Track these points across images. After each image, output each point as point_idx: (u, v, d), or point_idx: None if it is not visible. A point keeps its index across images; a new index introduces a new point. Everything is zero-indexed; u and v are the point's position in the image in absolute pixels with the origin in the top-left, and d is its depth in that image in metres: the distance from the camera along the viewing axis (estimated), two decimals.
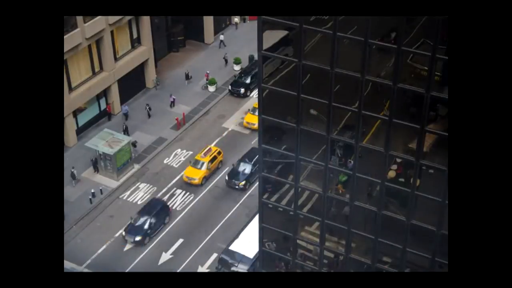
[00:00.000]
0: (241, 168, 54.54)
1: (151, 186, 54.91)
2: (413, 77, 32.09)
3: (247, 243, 47.07)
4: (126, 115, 61.53)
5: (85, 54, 57.23)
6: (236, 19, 74.48)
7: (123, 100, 62.88)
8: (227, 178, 54.73)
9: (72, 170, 54.27)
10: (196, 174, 54.71)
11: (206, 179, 55.13)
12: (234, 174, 54.51)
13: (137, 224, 50.00)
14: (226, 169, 56.30)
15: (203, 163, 54.98)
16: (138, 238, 49.40)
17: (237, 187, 54.11)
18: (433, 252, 36.28)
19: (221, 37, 71.67)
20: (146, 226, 49.80)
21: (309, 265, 41.43)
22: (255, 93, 64.11)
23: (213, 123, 61.98)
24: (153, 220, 50.18)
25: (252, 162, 54.31)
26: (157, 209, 50.99)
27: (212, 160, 55.46)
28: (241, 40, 73.01)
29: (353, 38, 31.85)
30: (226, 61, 69.55)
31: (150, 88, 65.73)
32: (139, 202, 53.34)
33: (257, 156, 49.20)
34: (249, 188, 54.26)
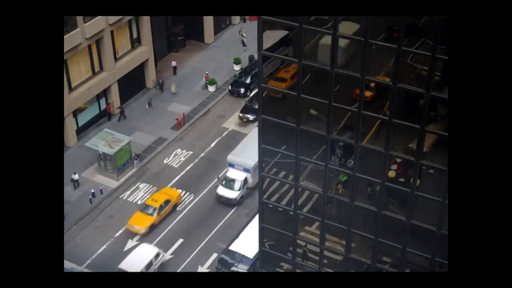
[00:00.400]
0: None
1: (151, 186, 54.90)
2: (413, 77, 32.10)
3: (247, 243, 47.06)
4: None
5: (85, 54, 57.24)
6: (244, 39, 72.26)
7: (123, 100, 62.90)
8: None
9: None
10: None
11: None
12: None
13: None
14: (226, 168, 56.36)
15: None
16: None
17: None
18: (433, 252, 36.28)
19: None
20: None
21: (309, 265, 41.45)
22: (255, 93, 64.09)
23: (213, 123, 61.98)
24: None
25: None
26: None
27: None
28: (241, 40, 72.98)
29: (353, 38, 31.87)
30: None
31: (150, 88, 65.74)
32: (139, 202, 53.36)
33: None
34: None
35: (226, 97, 65.20)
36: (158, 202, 50.97)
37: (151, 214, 50.54)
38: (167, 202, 51.48)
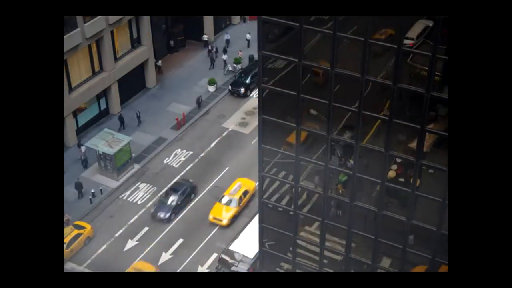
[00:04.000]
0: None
1: (151, 186, 54.90)
2: (413, 77, 32.10)
3: (247, 243, 47.08)
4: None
5: (85, 54, 57.23)
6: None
7: (123, 100, 62.92)
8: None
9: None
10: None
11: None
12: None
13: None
14: (226, 168, 56.34)
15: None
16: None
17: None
18: (433, 252, 36.28)
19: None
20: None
21: (309, 265, 41.45)
22: (255, 93, 64.14)
23: (213, 123, 61.99)
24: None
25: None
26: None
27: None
28: (241, 40, 73.00)
29: (353, 38, 31.86)
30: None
31: (150, 88, 65.75)
32: (139, 202, 53.35)
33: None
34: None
35: (226, 97, 65.22)
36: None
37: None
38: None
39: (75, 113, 58.40)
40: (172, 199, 51.95)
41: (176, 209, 51.97)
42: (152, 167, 56.88)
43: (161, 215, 51.34)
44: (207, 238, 50.35)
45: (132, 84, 63.68)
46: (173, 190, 52.82)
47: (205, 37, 71.91)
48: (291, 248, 41.56)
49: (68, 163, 55.55)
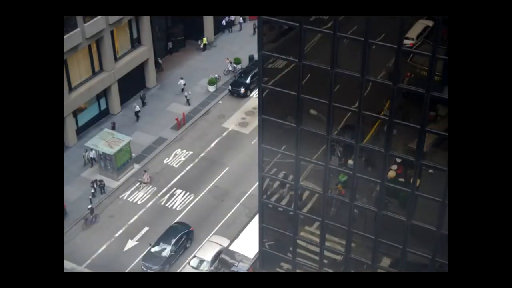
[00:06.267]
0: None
1: (151, 186, 54.88)
2: (413, 77, 32.11)
3: (247, 243, 47.07)
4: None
5: (85, 54, 57.23)
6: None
7: (123, 100, 62.92)
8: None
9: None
10: None
11: None
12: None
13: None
14: (226, 168, 56.35)
15: None
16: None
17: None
18: (433, 252, 36.28)
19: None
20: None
21: (309, 265, 41.46)
22: (255, 93, 64.15)
23: (213, 123, 61.99)
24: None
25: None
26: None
27: None
28: (241, 40, 73.02)
29: (353, 38, 31.86)
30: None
31: (150, 88, 65.75)
32: (139, 202, 53.33)
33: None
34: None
35: (226, 97, 65.22)
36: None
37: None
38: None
39: (75, 113, 58.40)
40: (165, 250, 47.45)
41: (170, 260, 47.44)
42: (152, 167, 56.88)
43: (153, 267, 46.57)
44: (207, 238, 50.32)
45: (132, 84, 63.67)
46: (166, 239, 47.94)
47: (204, 40, 71.39)
48: (291, 248, 41.57)
49: (68, 163, 55.53)
